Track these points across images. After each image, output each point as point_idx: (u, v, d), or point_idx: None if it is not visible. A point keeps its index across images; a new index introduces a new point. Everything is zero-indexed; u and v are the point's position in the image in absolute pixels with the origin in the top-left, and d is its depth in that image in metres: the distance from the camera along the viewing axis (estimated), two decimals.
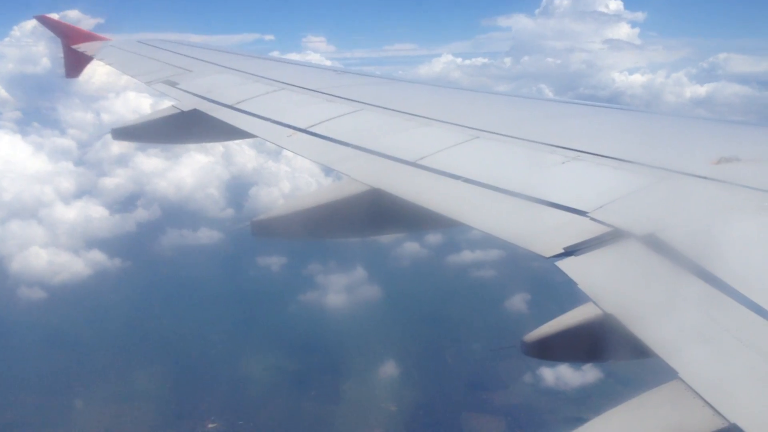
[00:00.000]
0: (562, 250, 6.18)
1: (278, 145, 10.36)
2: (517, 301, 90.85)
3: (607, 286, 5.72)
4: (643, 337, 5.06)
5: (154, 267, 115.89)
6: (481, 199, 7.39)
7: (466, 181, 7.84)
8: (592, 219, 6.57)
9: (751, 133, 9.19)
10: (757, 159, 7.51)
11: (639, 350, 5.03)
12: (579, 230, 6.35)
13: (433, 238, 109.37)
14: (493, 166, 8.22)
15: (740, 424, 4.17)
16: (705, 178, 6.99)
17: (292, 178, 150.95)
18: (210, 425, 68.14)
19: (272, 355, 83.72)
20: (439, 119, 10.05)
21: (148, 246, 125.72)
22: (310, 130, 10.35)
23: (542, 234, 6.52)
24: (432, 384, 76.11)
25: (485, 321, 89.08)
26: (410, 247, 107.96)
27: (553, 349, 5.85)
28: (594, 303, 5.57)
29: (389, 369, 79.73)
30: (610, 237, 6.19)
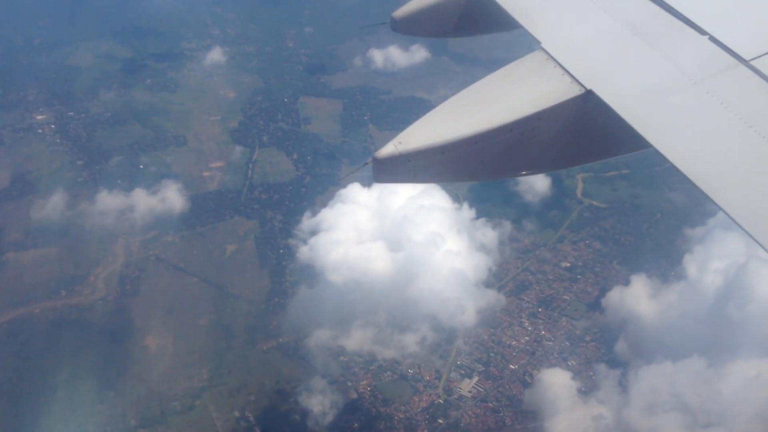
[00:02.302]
0: None
1: None
2: None
3: None
4: (507, 7, 5.26)
5: None
6: None
7: None
8: None
9: None
10: None
11: (504, 21, 5.34)
12: None
13: None
14: None
15: (595, 89, 4.44)
16: None
17: None
18: (39, 117, 65.57)
19: (100, 42, 79.19)
20: None
21: None
22: None
23: None
24: (271, 70, 75.36)
25: (322, 0, 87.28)
26: None
27: (422, 24, 6.17)
28: None
29: (225, 55, 77.80)
30: None
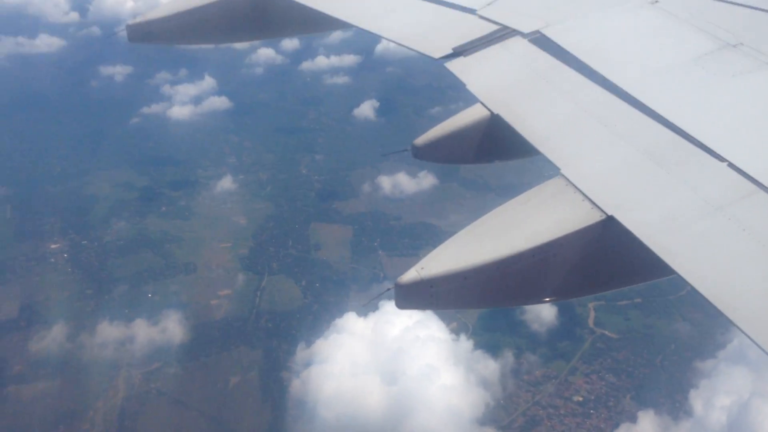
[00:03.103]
0: (451, 51, 6.27)
1: None
2: (366, 109, 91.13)
3: (494, 86, 5.83)
4: (527, 136, 5.24)
5: None
6: None
7: None
8: (481, 17, 6.60)
9: None
10: None
11: (524, 149, 5.30)
12: (467, 29, 6.42)
13: (290, 43, 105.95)
14: None
15: (617, 216, 4.40)
16: None
17: None
18: (53, 246, 66.74)
19: (119, 172, 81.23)
20: None
21: None
22: None
23: (431, 34, 6.58)
24: (284, 195, 76.64)
25: (339, 129, 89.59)
26: (265, 53, 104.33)
27: (443, 150, 6.13)
28: (482, 104, 5.73)
29: (239, 182, 79.22)
30: (498, 35, 6.27)
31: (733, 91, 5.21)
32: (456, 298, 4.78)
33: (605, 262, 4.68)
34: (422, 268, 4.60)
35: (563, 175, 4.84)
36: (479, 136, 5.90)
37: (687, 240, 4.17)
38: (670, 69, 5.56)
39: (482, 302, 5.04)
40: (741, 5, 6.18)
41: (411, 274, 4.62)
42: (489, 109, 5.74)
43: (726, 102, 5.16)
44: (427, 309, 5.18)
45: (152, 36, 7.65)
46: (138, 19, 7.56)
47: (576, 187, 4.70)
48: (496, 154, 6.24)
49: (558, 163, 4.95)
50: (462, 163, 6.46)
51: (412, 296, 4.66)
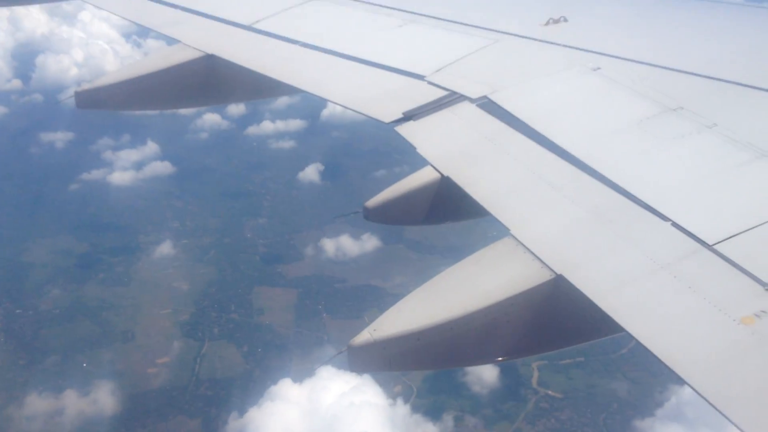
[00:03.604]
0: (401, 115, 6.42)
1: (101, 8, 9.57)
2: (312, 172, 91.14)
3: (443, 149, 6.00)
4: (477, 197, 5.39)
5: None
6: (319, 64, 7.40)
7: (304, 45, 7.74)
8: (430, 83, 6.82)
9: None
10: (582, 19, 7.82)
11: (474, 210, 5.43)
12: (417, 94, 6.64)
13: (236, 108, 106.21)
14: (331, 30, 8.11)
15: (566, 274, 4.51)
16: (536, 39, 7.32)
17: (86, 45, 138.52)
18: None
19: (57, 239, 79.34)
20: None
21: None
22: None
23: (381, 99, 6.75)
24: (227, 259, 75.58)
25: (285, 193, 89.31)
26: (210, 118, 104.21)
27: (394, 212, 6.22)
28: (432, 166, 5.88)
29: (182, 247, 77.95)
30: (447, 100, 6.48)
31: (675, 153, 5.42)
32: (409, 359, 4.85)
33: (556, 320, 4.75)
34: (375, 330, 4.64)
35: (513, 236, 4.93)
36: (430, 198, 5.97)
37: (634, 298, 4.26)
38: (615, 133, 5.79)
39: (435, 363, 5.19)
40: (679, 71, 6.43)
41: (364, 336, 4.66)
42: (439, 172, 5.83)
43: (668, 164, 5.35)
44: (380, 371, 5.26)
45: (101, 102, 7.74)
46: (87, 86, 7.68)
47: (526, 247, 4.80)
48: (446, 215, 6.34)
49: (508, 224, 5.06)
50: (413, 224, 6.51)
51: (365, 358, 4.71)
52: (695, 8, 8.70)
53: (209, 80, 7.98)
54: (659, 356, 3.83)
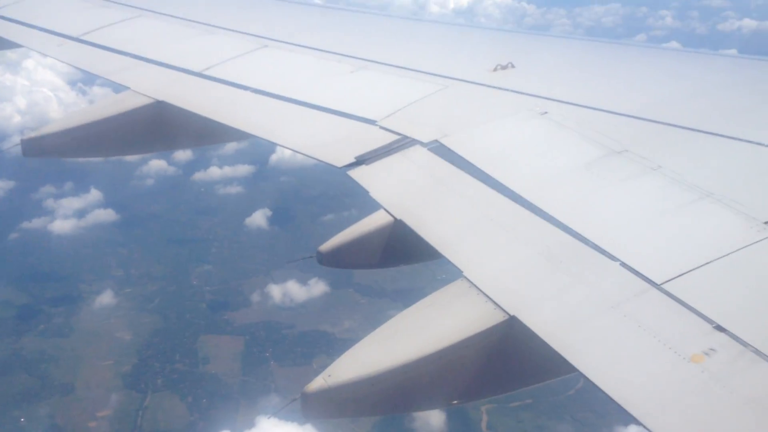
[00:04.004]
0: (354, 159, 6.49)
1: (48, 55, 9.53)
2: (260, 218, 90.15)
3: (396, 192, 6.09)
4: (430, 239, 5.47)
5: None
6: (271, 110, 7.42)
7: (256, 91, 7.76)
8: (381, 127, 6.90)
9: (520, 41, 9.64)
10: (529, 65, 8.01)
11: (427, 253, 5.50)
12: (369, 139, 6.73)
13: (183, 155, 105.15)
14: (283, 76, 8.19)
15: (519, 315, 4.54)
16: (484, 85, 7.50)
17: (29, 93, 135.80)
18: None
19: None
20: (223, 27, 9.65)
21: None
22: (84, 38, 9.55)
23: (334, 144, 6.82)
24: (172, 308, 73.88)
25: (233, 239, 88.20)
26: (156, 164, 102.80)
27: (348, 256, 6.17)
28: (384, 210, 5.92)
29: (126, 296, 75.94)
30: (399, 145, 6.60)
31: (621, 194, 5.53)
32: (364, 405, 4.81)
33: (510, 361, 4.78)
34: (329, 376, 4.58)
35: (466, 278, 4.97)
36: (383, 242, 5.98)
37: (586, 338, 4.31)
38: (562, 175, 5.91)
39: (390, 408, 5.07)
40: (623, 115, 6.59)
41: (318, 383, 4.59)
42: (392, 215, 5.89)
43: (615, 205, 5.45)
44: (334, 418, 5.23)
45: (48, 150, 7.67)
46: (33, 134, 7.58)
47: (479, 289, 4.83)
48: (400, 258, 6.36)
49: (460, 266, 5.10)
50: (367, 267, 6.52)
51: (320, 405, 4.64)
52: (638, 54, 9.00)
53: (159, 126, 7.93)
54: (611, 395, 3.85)
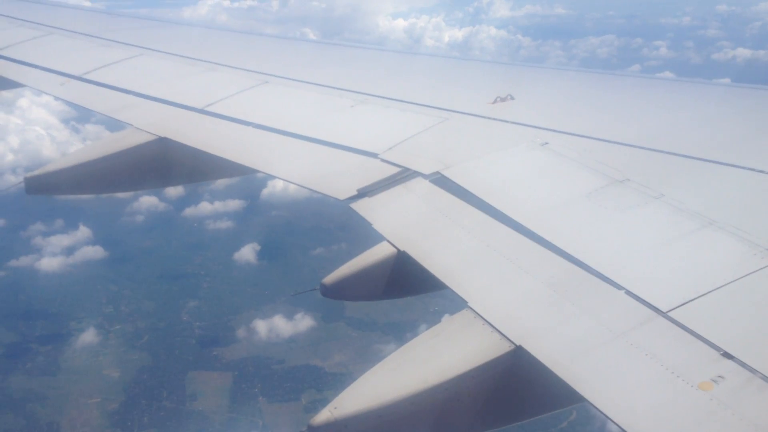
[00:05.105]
0: (356, 192, 6.52)
1: (50, 94, 9.56)
2: (250, 253, 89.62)
3: (399, 224, 6.13)
4: (434, 271, 5.44)
5: None
6: (273, 145, 7.47)
7: (258, 127, 7.80)
8: (383, 160, 6.93)
9: (518, 73, 9.63)
10: (528, 97, 8.05)
11: (432, 284, 5.48)
12: (371, 171, 6.76)
13: (174, 190, 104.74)
14: (284, 111, 8.23)
15: (525, 345, 4.54)
16: (484, 117, 7.53)
17: (22, 131, 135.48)
18: None
19: None
20: (225, 64, 9.82)
21: None
22: (86, 77, 9.61)
23: (336, 177, 6.83)
24: (161, 344, 72.94)
25: (224, 274, 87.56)
26: (147, 201, 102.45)
27: (352, 288, 6.11)
28: (388, 241, 5.92)
29: (115, 333, 75.03)
30: (400, 177, 6.64)
31: (625, 223, 5.55)
32: None
33: (517, 392, 4.76)
34: (335, 408, 4.54)
35: (471, 308, 4.96)
36: (387, 273, 5.98)
37: (593, 367, 4.28)
38: (565, 205, 5.91)
39: None
40: (624, 144, 6.65)
41: (324, 415, 4.54)
42: (395, 247, 5.90)
43: (619, 233, 5.47)
44: None
45: (51, 187, 7.72)
46: (37, 171, 7.61)
47: (484, 319, 4.81)
48: (404, 289, 6.32)
49: (465, 297, 5.09)
50: (371, 299, 6.47)
51: None
52: (635, 84, 9.11)
53: (162, 163, 7.97)
54: (620, 424, 3.81)
